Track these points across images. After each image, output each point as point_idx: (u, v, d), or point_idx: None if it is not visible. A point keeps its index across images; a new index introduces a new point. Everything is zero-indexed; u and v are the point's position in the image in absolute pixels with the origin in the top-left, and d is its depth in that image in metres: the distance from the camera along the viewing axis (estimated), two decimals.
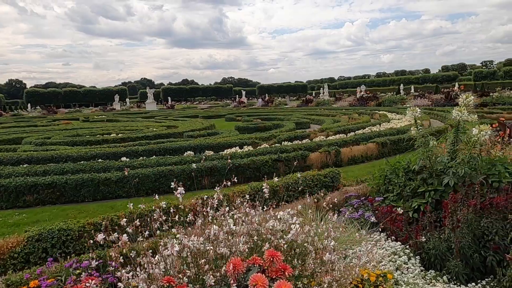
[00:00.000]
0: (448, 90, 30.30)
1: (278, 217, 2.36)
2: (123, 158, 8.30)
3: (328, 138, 9.96)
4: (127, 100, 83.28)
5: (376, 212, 3.94)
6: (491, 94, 31.99)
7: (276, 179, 2.98)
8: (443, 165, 4.02)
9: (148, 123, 20.80)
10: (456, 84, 56.28)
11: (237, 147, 9.07)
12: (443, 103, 22.01)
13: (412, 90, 64.27)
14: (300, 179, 5.05)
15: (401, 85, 66.22)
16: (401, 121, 15.63)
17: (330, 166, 6.81)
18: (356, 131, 11.84)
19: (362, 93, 40.12)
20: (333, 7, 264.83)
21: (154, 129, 16.10)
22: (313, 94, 66.19)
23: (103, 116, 32.95)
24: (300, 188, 5.01)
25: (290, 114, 21.72)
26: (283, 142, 9.62)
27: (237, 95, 77.21)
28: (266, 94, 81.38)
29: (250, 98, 76.71)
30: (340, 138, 9.42)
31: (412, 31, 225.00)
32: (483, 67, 76.23)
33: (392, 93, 63.07)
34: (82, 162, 7.92)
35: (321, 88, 63.18)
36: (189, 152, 8.88)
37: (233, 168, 6.69)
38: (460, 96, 5.00)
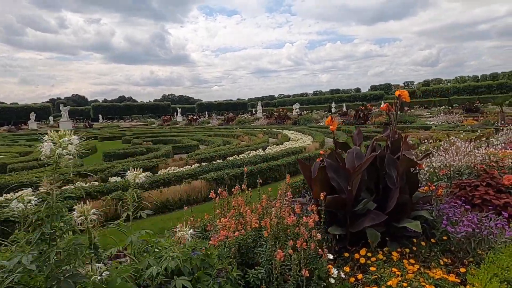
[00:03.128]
0: (342, 110, 30.62)
1: None
2: None
3: (175, 170, 7.91)
4: (51, 118, 75.58)
5: None
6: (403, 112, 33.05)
7: None
8: None
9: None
10: (382, 102, 59.33)
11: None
12: (353, 121, 21.53)
13: (344, 108, 66.45)
14: None
15: (333, 103, 68.31)
16: (299, 142, 14.26)
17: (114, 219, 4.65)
18: (228, 157, 9.99)
19: (279, 111, 39.74)
20: (274, 28, 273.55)
21: None
22: (253, 112, 65.68)
23: None
24: None
25: (193, 135, 19.60)
26: (112, 178, 7.36)
27: (175, 113, 74.50)
28: (207, 112, 79.38)
29: (188, 116, 74.45)
30: (185, 170, 7.38)
31: (346, 53, 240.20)
32: (406, 87, 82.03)
33: (324, 110, 64.59)
34: None
35: (256, 106, 63.10)
36: None
37: None
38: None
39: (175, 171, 7.97)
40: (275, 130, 20.54)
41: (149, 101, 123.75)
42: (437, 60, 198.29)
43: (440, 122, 18.12)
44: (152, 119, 69.46)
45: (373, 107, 66.03)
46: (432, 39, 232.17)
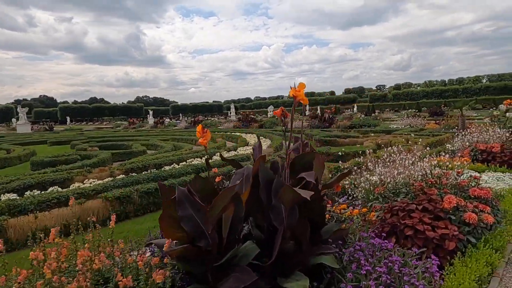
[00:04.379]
0: (313, 113, 30.26)
1: None
2: None
3: (92, 183, 6.74)
4: (13, 120, 71.69)
5: None
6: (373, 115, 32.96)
7: None
8: None
9: None
10: (355, 105, 59.80)
11: None
12: (317, 125, 20.83)
13: (318, 111, 66.73)
14: None
15: (307, 106, 68.35)
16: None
17: None
18: (165, 166, 8.89)
19: (244, 114, 39.15)
20: (251, 31, 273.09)
21: None
22: (228, 114, 64.78)
23: None
24: None
25: (147, 139, 18.28)
26: (4, 196, 6.11)
27: (148, 115, 72.43)
28: (181, 114, 77.46)
29: (164, 118, 72.81)
30: (94, 185, 6.21)
31: (322, 56, 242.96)
32: (378, 91, 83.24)
33: (300, 113, 64.36)
34: None
35: (230, 109, 62.39)
36: None
37: None
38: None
39: (91, 184, 6.79)
40: (237, 134, 19.56)
41: (122, 103, 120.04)
42: (408, 65, 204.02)
43: (403, 126, 17.66)
44: (123, 122, 67.18)
45: (346, 110, 66.75)
46: (404, 45, 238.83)
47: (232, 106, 64.19)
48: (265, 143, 14.62)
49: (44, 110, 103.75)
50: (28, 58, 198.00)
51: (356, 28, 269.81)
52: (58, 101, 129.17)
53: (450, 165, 5.44)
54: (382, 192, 4.10)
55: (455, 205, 3.43)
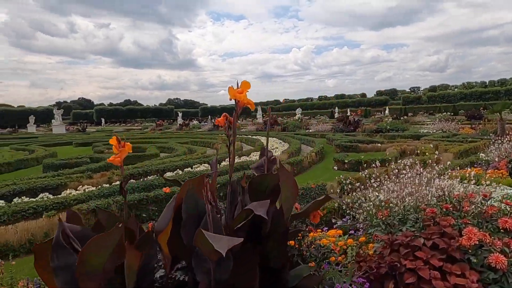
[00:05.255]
0: (342, 115, 28.85)
1: None
2: None
3: (87, 190, 6.38)
4: (53, 121, 75.75)
5: None
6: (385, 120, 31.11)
7: None
8: None
9: None
10: (387, 108, 57.29)
11: None
12: (341, 128, 19.74)
13: (348, 113, 64.94)
14: None
15: (336, 108, 66.97)
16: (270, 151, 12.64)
17: None
18: (168, 173, 8.46)
19: (266, 117, 38.32)
20: (281, 34, 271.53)
21: None
22: (256, 116, 64.73)
23: None
24: None
25: (166, 142, 18.13)
26: None
27: (178, 116, 73.88)
28: (209, 116, 78.33)
29: (192, 120, 74.17)
30: (83, 193, 5.82)
31: (353, 58, 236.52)
32: (411, 93, 79.31)
33: (328, 116, 63.21)
34: None
35: (257, 111, 62.39)
36: None
37: None
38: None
39: (85, 191, 6.44)
40: (255, 137, 18.96)
41: (154, 105, 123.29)
42: (445, 66, 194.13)
43: (435, 131, 16.22)
44: (152, 124, 68.85)
45: (376, 113, 64.39)
46: (441, 45, 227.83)
47: (259, 108, 63.89)
48: (282, 148, 13.91)
49: (82, 112, 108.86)
50: (69, 63, 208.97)
51: (389, 28, 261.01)
52: (95, 103, 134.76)
53: (478, 181, 4.50)
54: (384, 218, 3.30)
55: (477, 242, 2.60)
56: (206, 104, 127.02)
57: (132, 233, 1.82)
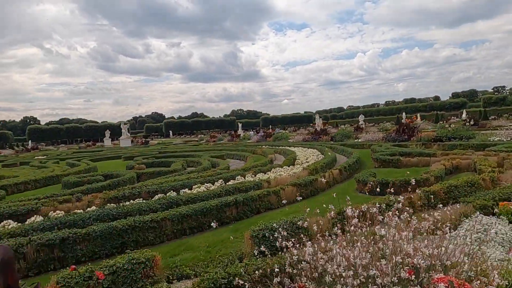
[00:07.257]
0: (401, 122, 25.48)
1: None
2: None
3: (58, 215, 5.79)
4: (128, 135, 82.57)
5: None
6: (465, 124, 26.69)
7: None
8: None
9: None
10: (464, 111, 50.74)
11: None
12: (394, 137, 17.18)
13: (418, 119, 59.29)
14: None
15: (404, 113, 61.84)
16: (296, 167, 11.16)
17: None
18: (167, 193, 7.60)
19: (320, 126, 36.05)
20: (345, 39, 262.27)
21: None
22: (317, 123, 62.90)
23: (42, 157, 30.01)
24: None
25: (201, 155, 17.61)
26: None
27: (239, 128, 75.16)
28: (271, 126, 78.23)
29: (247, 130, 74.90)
30: (29, 224, 5.13)
31: (425, 59, 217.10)
32: (494, 93, 69.14)
33: (391, 122, 58.52)
34: None
35: (315, 119, 60.43)
36: None
37: None
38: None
39: (57, 215, 5.84)
40: (293, 149, 17.48)
41: (219, 117, 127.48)
42: None
43: (509, 138, 13.02)
44: (201, 135, 70.55)
45: (452, 117, 57.50)
46: None
47: (316, 116, 61.57)
48: (316, 159, 12.28)
49: (153, 125, 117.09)
50: (145, 81, 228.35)
51: (468, 24, 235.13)
52: (166, 116, 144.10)
53: None
54: None
55: None
56: (268, 114, 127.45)
57: None
